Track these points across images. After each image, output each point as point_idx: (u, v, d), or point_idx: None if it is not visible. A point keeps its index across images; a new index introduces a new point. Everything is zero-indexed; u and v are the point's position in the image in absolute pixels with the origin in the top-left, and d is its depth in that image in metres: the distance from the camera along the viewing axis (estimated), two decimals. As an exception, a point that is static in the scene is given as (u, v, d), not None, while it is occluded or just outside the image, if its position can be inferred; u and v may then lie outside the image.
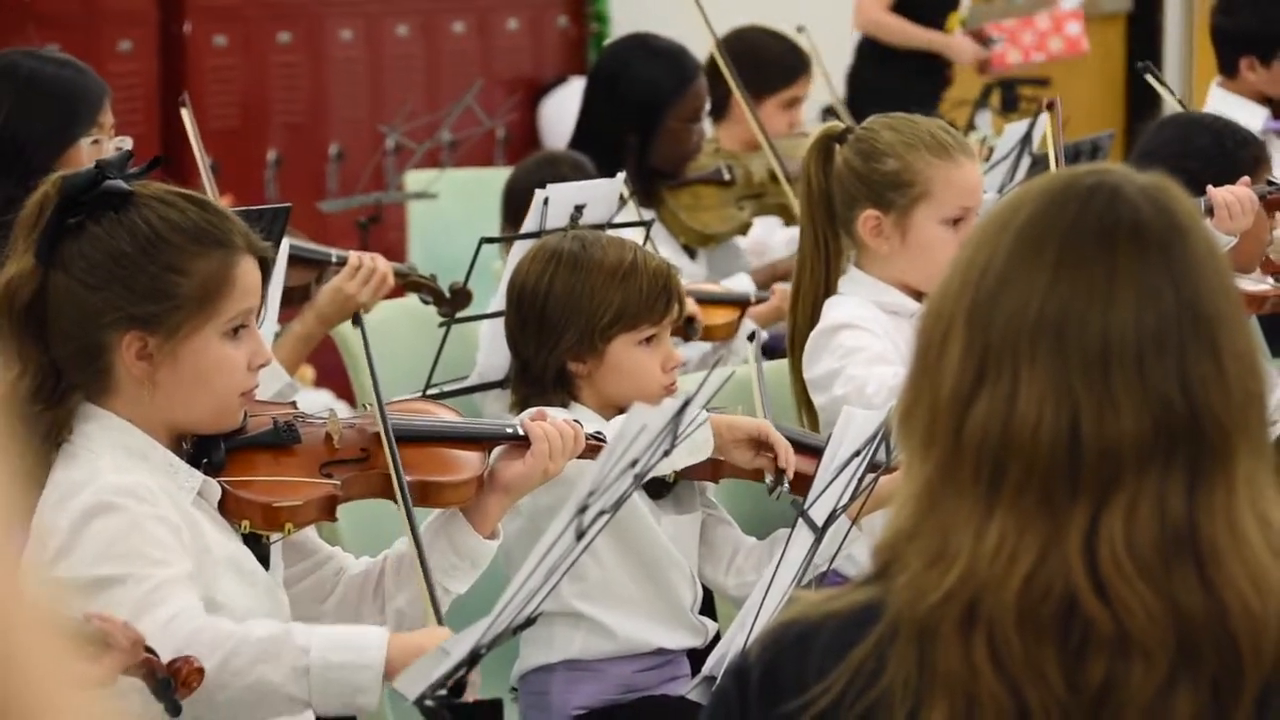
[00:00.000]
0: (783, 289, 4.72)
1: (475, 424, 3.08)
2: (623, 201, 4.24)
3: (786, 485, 3.30)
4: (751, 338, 3.46)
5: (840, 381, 3.54)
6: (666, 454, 2.51)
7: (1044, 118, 4.42)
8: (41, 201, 2.71)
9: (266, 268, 2.79)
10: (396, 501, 2.84)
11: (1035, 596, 1.61)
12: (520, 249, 3.72)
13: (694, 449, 3.23)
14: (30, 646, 0.84)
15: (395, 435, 2.90)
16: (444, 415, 3.05)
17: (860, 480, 2.84)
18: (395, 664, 2.53)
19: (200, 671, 2.40)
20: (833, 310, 3.72)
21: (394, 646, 2.55)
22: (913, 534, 1.66)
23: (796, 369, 3.78)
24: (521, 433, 2.97)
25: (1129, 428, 1.61)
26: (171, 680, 2.38)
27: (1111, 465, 1.61)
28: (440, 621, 2.70)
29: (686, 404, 2.43)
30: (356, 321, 2.98)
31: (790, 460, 3.28)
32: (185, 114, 4.13)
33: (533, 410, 3.07)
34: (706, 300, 4.67)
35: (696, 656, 3.41)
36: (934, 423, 1.66)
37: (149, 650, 2.37)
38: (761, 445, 3.30)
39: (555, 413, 3.13)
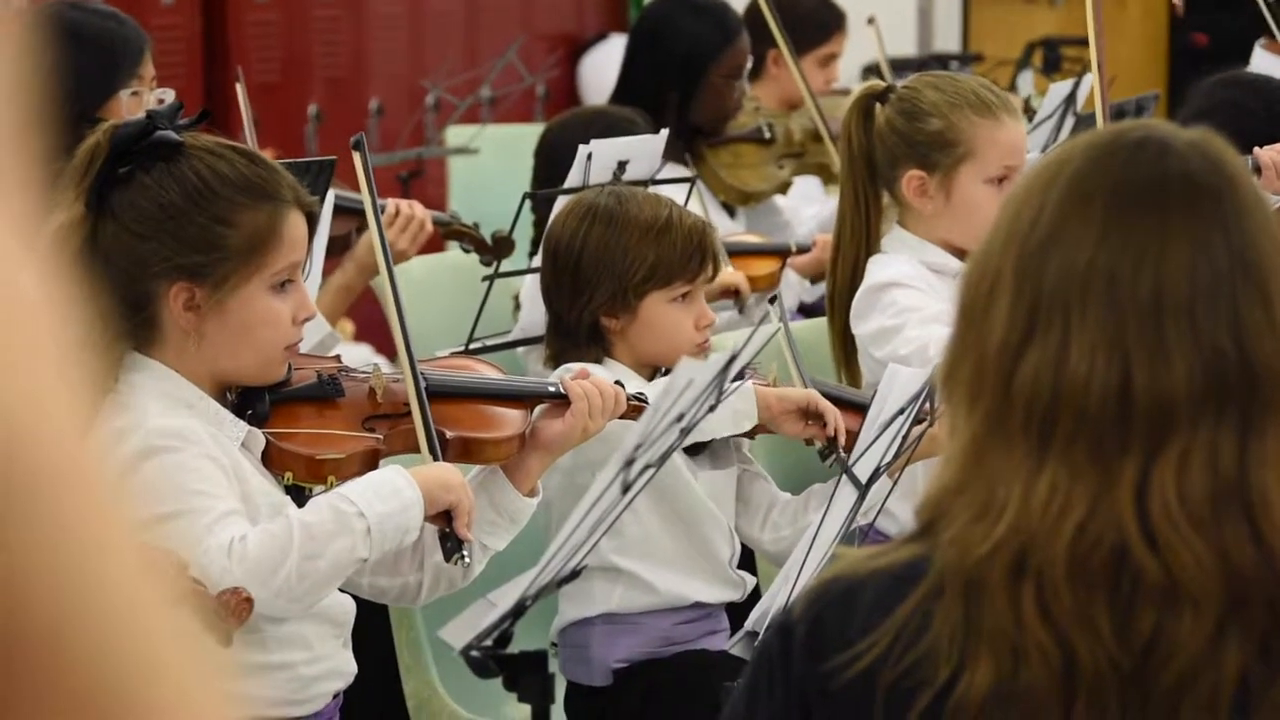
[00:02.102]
0: (824, 239, 4.72)
1: (517, 382, 3.09)
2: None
3: (840, 452, 3.31)
4: (773, 300, 3.45)
5: (901, 340, 3.53)
6: (712, 409, 2.51)
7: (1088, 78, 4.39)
8: (92, 150, 2.71)
9: (312, 222, 2.80)
10: (428, 457, 2.85)
11: (1086, 547, 1.61)
12: (563, 204, 3.72)
13: (737, 420, 3.24)
14: (145, 611, 0.82)
15: (438, 391, 2.92)
16: (487, 372, 3.06)
17: (904, 438, 2.84)
18: (426, 496, 2.68)
19: (249, 601, 2.42)
20: (879, 269, 3.71)
21: (419, 478, 2.69)
22: (959, 488, 1.66)
23: (835, 328, 3.77)
24: (563, 391, 2.97)
25: (1181, 379, 1.61)
26: (220, 610, 2.39)
27: (1163, 416, 1.61)
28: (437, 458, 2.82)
29: (733, 359, 2.43)
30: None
31: (841, 427, 3.29)
32: (239, 89, 4.10)
33: (575, 368, 3.07)
34: (747, 251, 4.67)
35: (736, 611, 3.42)
36: (981, 376, 1.66)
37: (196, 582, 2.38)
38: (810, 414, 3.31)
39: (595, 370, 3.13)
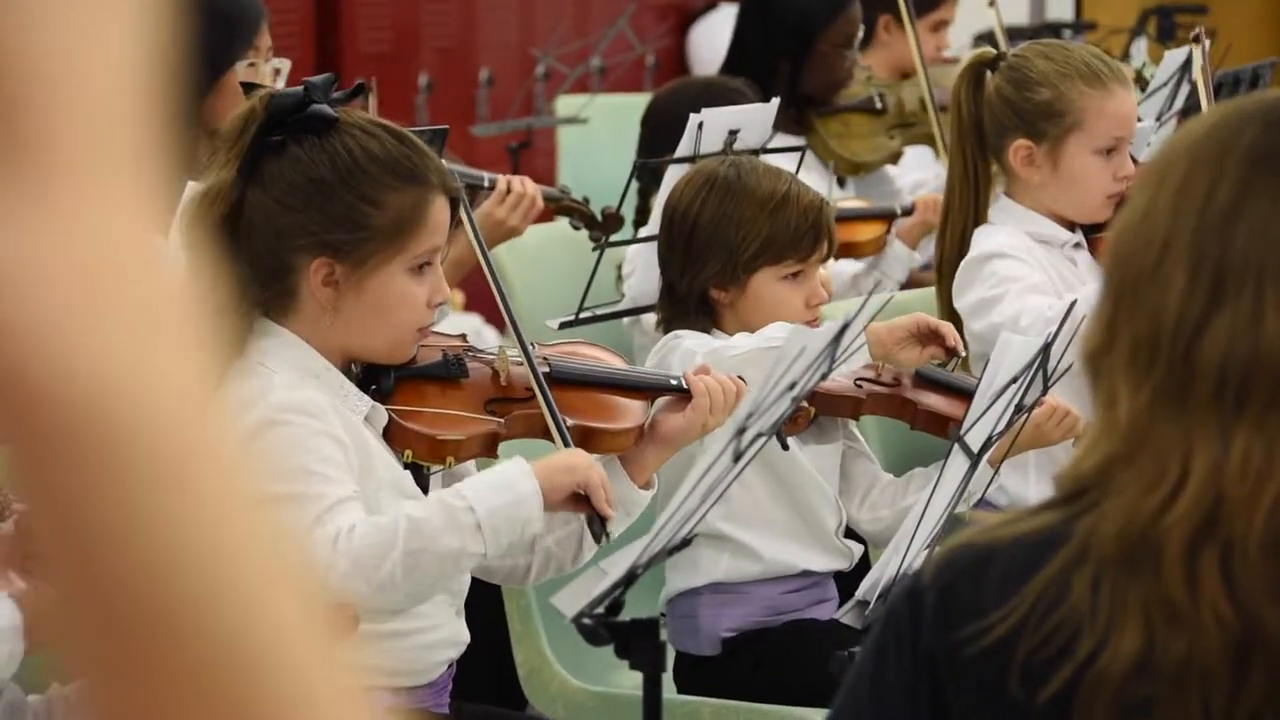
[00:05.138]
0: (925, 200, 4.71)
1: (640, 373, 3.09)
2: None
3: (962, 353, 3.35)
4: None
5: (997, 310, 3.52)
6: (824, 377, 2.51)
7: (1195, 51, 4.37)
8: (247, 116, 2.71)
9: (456, 207, 2.79)
10: (555, 442, 2.85)
11: None
12: (675, 173, 3.72)
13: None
14: (292, 632, 0.78)
15: (560, 378, 2.93)
16: (610, 361, 3.06)
17: (1017, 408, 2.83)
18: (546, 484, 2.65)
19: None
20: (984, 239, 3.70)
21: (539, 470, 2.66)
22: (1126, 459, 1.63)
23: (943, 298, 3.76)
24: (684, 385, 2.97)
25: None
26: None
27: None
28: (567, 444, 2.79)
29: (845, 327, 2.44)
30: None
31: (958, 337, 3.31)
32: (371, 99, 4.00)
33: (698, 363, 3.07)
34: (853, 217, 4.66)
35: (844, 580, 3.42)
36: (1154, 347, 1.63)
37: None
38: (924, 336, 3.31)
39: (694, 341, 3.12)
